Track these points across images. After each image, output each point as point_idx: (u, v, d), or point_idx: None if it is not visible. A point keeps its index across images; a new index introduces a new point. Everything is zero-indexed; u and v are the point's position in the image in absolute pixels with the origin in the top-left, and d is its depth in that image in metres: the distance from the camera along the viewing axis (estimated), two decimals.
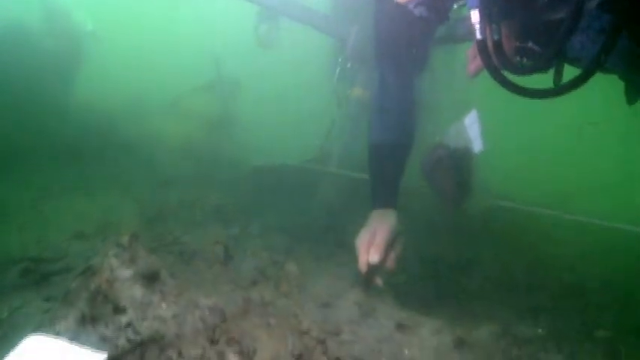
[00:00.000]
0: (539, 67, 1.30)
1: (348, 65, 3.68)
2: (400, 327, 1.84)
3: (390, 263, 2.01)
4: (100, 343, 0.93)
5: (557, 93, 1.26)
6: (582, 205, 4.39)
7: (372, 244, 1.96)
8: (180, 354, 0.93)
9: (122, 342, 0.96)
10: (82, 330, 0.97)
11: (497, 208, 3.65)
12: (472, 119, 1.84)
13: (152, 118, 5.13)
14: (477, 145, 1.84)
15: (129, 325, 1.02)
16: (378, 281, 2.02)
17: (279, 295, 2.03)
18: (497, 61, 1.34)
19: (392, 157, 2.16)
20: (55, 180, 3.26)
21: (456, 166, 1.91)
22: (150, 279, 1.28)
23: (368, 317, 1.88)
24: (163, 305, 1.16)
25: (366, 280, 2.00)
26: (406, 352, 1.69)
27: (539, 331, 1.97)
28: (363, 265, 1.96)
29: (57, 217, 2.73)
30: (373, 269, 1.96)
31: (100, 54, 5.81)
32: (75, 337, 0.93)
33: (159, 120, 5.08)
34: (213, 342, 0.98)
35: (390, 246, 1.98)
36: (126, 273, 1.23)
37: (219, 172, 4.07)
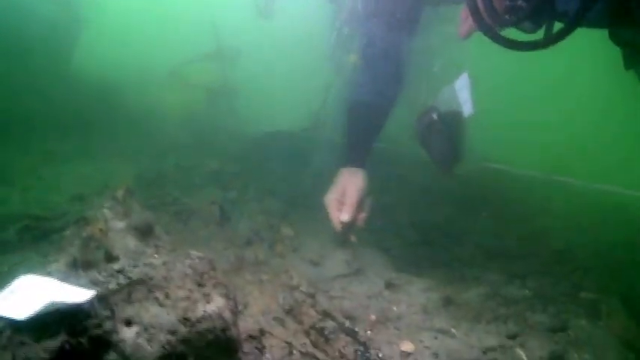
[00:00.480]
0: (526, 20, 1.32)
1: (345, 31, 3.63)
2: (390, 285, 1.89)
3: (360, 222, 2.08)
4: (91, 286, 0.97)
5: (545, 44, 1.29)
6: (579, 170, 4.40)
7: (342, 203, 2.03)
8: (167, 295, 0.98)
9: (113, 286, 1.00)
10: (74, 273, 1.01)
11: (490, 172, 3.66)
12: (462, 83, 1.84)
13: (152, 86, 5.13)
14: (467, 109, 1.84)
15: (120, 271, 1.06)
16: (353, 238, 2.10)
17: (273, 255, 2.08)
18: (488, 19, 1.35)
19: (367, 117, 2.17)
20: (57, 146, 3.31)
21: (447, 129, 1.93)
22: (144, 232, 1.32)
23: (359, 275, 1.93)
24: (156, 256, 1.20)
25: (342, 238, 2.09)
26: (394, 308, 1.74)
27: (527, 292, 2.01)
28: (337, 224, 2.04)
29: (58, 181, 2.78)
30: (346, 227, 2.05)
31: (100, 21, 5.76)
32: (65, 279, 0.97)
33: (159, 88, 5.08)
34: (200, 285, 1.02)
35: (360, 205, 2.06)
36: (119, 224, 1.26)
37: (218, 140, 4.09)
